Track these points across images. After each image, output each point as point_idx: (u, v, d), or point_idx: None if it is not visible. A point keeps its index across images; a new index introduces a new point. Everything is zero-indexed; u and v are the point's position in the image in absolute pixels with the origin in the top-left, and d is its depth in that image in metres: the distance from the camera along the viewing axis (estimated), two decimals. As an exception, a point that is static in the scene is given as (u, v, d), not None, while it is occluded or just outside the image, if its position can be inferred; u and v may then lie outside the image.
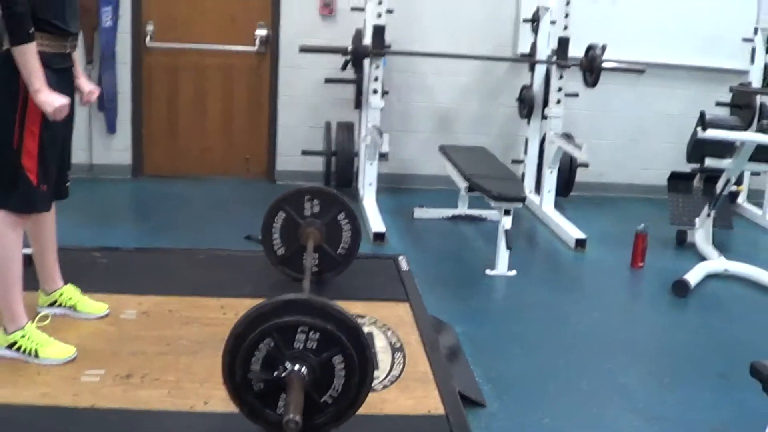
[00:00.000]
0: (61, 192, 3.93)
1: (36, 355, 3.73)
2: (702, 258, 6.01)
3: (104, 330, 4.14)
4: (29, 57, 3.43)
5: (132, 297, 4.53)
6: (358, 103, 7.40)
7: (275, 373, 3.05)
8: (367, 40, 6.90)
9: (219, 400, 3.38)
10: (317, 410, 3.10)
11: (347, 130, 7.47)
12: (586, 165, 7.57)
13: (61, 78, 3.65)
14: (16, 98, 3.51)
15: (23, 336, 3.77)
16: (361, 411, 3.21)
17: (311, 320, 3.04)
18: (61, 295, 4.25)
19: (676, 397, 4.00)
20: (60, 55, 3.61)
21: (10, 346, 3.76)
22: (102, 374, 3.65)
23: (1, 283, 3.73)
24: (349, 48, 6.94)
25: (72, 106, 3.81)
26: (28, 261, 3.96)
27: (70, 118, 3.81)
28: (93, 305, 4.27)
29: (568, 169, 7.54)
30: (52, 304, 4.21)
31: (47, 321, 4.08)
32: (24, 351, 3.75)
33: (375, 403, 3.44)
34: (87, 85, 4.02)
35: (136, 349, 3.92)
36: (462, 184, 6.25)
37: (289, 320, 3.04)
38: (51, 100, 3.49)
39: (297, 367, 3.03)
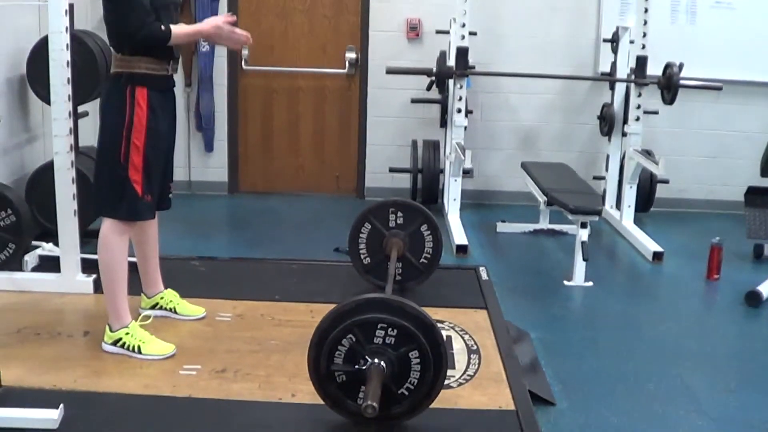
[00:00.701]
0: (164, 202, 4.28)
1: (138, 351, 4.06)
2: None
3: (201, 330, 4.48)
4: (180, 35, 3.92)
5: (227, 302, 4.85)
6: (443, 122, 7.60)
7: (356, 366, 3.33)
8: (451, 61, 7.08)
9: (305, 394, 3.67)
10: (395, 401, 3.38)
11: (433, 148, 7.69)
12: (666, 181, 7.65)
13: (164, 98, 4.03)
14: (122, 117, 3.87)
15: (127, 333, 4.10)
16: (437, 404, 3.47)
17: (390, 318, 3.32)
18: (161, 298, 4.59)
19: (741, 400, 4.15)
20: (163, 77, 3.97)
21: (115, 343, 4.10)
22: (199, 369, 3.97)
23: (109, 284, 4.09)
24: (434, 69, 7.15)
25: (174, 123, 4.18)
26: (132, 268, 4.32)
27: (172, 133, 4.18)
28: (191, 308, 4.61)
29: (648, 185, 7.62)
30: (153, 307, 4.55)
31: (149, 320, 4.42)
32: (127, 347, 4.08)
33: (450, 398, 3.71)
34: None
35: (230, 348, 4.24)
36: (541, 198, 6.44)
37: (369, 317, 3.33)
38: (212, 21, 4.11)
39: (376, 360, 3.30)
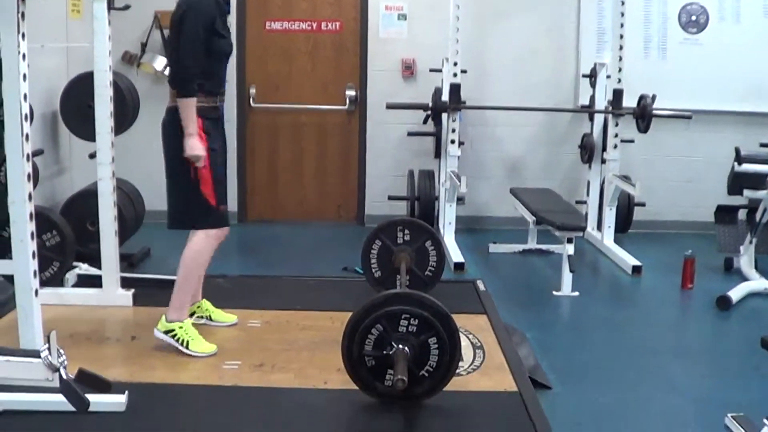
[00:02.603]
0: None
1: (186, 346, 4.55)
2: (746, 281, 6.53)
3: (236, 334, 4.99)
4: (188, 107, 4.36)
5: (255, 311, 5.35)
6: (438, 153, 8.04)
7: (384, 352, 3.86)
8: (445, 96, 7.51)
9: (336, 381, 4.21)
10: (417, 382, 3.90)
11: (428, 177, 8.06)
12: (642, 204, 8.07)
13: (215, 125, 4.56)
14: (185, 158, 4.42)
15: (181, 327, 4.60)
16: (451, 388, 4.02)
17: (412, 309, 3.88)
18: (198, 307, 5.08)
19: (713, 383, 4.73)
20: (213, 108, 4.52)
21: (167, 332, 4.60)
22: (239, 364, 4.48)
23: (183, 281, 4.61)
24: (429, 104, 7.66)
25: (225, 143, 4.73)
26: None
27: (225, 152, 4.71)
28: (225, 315, 5.12)
29: (626, 208, 8.05)
30: (191, 315, 4.96)
31: (202, 321, 4.95)
32: (178, 339, 4.57)
33: (461, 384, 4.24)
34: None
35: (264, 347, 4.75)
36: (530, 219, 6.95)
37: (395, 309, 3.88)
38: (196, 146, 4.39)
39: (401, 346, 3.84)
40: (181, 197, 4.59)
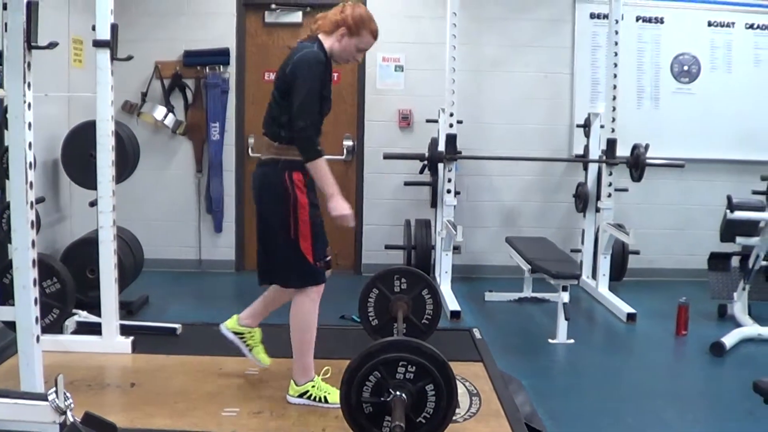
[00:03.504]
0: (328, 265, 4.72)
1: (325, 401, 4.55)
2: (740, 327, 6.57)
3: (235, 382, 5.00)
4: (321, 169, 4.34)
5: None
6: (434, 202, 8.07)
7: (382, 398, 3.89)
8: (441, 147, 7.58)
9: (334, 428, 4.27)
10: (414, 428, 3.91)
11: (425, 226, 8.14)
12: (636, 252, 8.15)
13: (312, 181, 4.48)
14: (288, 198, 4.38)
15: (313, 386, 4.62)
16: (448, 434, 4.07)
17: (409, 356, 3.91)
18: (249, 332, 5.07)
19: (708, 428, 4.81)
20: None
21: (302, 395, 4.62)
22: (238, 411, 4.50)
23: (300, 344, 4.59)
24: (426, 154, 7.73)
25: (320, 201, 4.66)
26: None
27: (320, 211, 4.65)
28: (263, 356, 5.06)
29: (620, 256, 8.12)
30: (235, 333, 5.01)
31: (328, 374, 4.87)
32: (314, 398, 4.60)
33: (458, 430, 4.27)
34: None
35: (262, 394, 4.77)
36: (525, 267, 7.01)
37: (392, 356, 3.91)
38: (343, 206, 4.42)
39: (399, 393, 3.86)
40: (281, 254, 4.54)
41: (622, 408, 5.05)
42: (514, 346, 6.36)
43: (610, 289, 7.79)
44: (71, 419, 3.00)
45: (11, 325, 4.19)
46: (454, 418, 4.18)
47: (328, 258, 4.68)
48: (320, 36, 4.50)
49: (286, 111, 4.35)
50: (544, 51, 8.59)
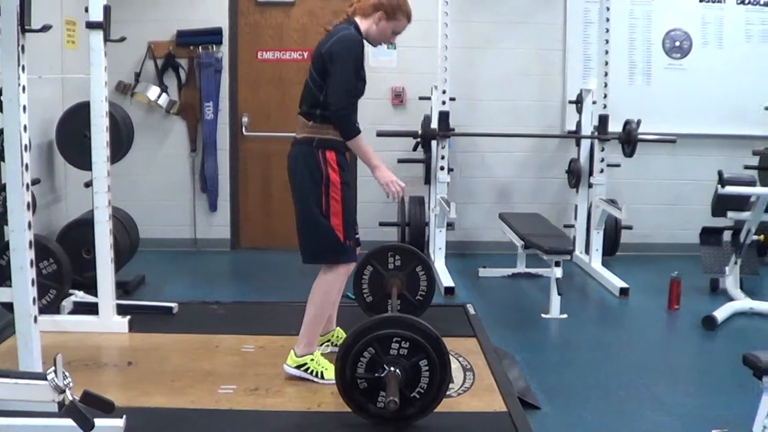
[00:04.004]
0: (357, 243, 4.84)
1: (321, 377, 4.61)
2: (732, 301, 6.63)
3: (231, 360, 5.08)
4: (361, 145, 4.55)
5: (249, 336, 5.47)
6: (428, 179, 8.13)
7: (376, 374, 3.97)
8: (434, 124, 7.63)
9: (329, 404, 4.34)
10: (408, 403, 4.01)
11: (418, 203, 8.16)
12: (629, 227, 8.20)
13: (346, 160, 4.63)
14: (320, 175, 4.48)
15: (312, 359, 4.67)
16: (442, 409, 4.13)
17: (403, 332, 3.99)
18: (333, 335, 5.18)
19: (698, 400, 4.82)
20: (344, 143, 4.56)
21: (299, 366, 4.68)
22: (235, 388, 4.58)
23: (314, 318, 4.64)
24: (419, 131, 7.76)
25: (354, 182, 4.75)
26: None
27: (354, 186, 4.76)
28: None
29: (613, 231, 8.16)
30: (322, 343, 5.07)
31: (329, 350, 5.01)
32: (310, 371, 4.67)
33: (452, 405, 4.36)
34: None
35: (258, 372, 4.84)
36: (518, 243, 7.06)
37: (386, 332, 3.99)
38: (388, 175, 4.62)
39: (393, 368, 3.95)
40: (312, 230, 4.59)
41: (614, 381, 5.09)
42: (507, 321, 6.40)
43: (604, 264, 7.83)
44: (70, 398, 3.05)
45: (8, 306, 4.23)
46: (448, 392, 4.28)
47: (358, 236, 4.82)
48: (357, 18, 4.63)
49: (322, 91, 4.47)
50: (536, 27, 8.60)
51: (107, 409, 3.14)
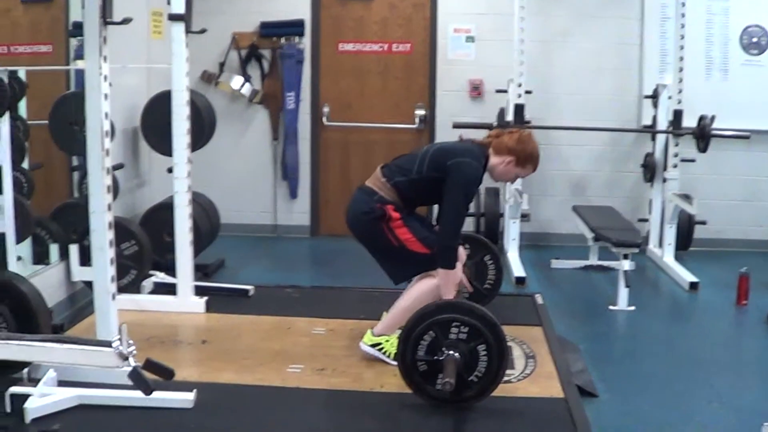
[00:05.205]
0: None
1: (393, 358, 4.68)
2: None
3: (302, 341, 5.25)
4: (451, 278, 4.68)
5: (321, 320, 5.64)
6: None
7: (435, 357, 4.10)
8: (510, 116, 7.68)
9: (392, 385, 4.48)
10: (466, 387, 4.12)
11: (494, 194, 8.26)
12: (703, 222, 8.12)
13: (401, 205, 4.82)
14: (381, 228, 4.71)
15: (387, 341, 4.84)
16: (500, 393, 4.24)
17: (462, 317, 4.12)
18: None
19: (757, 395, 4.87)
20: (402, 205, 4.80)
21: (374, 345, 4.86)
22: (302, 368, 4.75)
23: (407, 310, 4.63)
24: (494, 124, 7.75)
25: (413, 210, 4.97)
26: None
27: (417, 215, 4.99)
28: None
29: (687, 226, 8.10)
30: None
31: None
32: (384, 352, 4.83)
33: (511, 390, 4.46)
34: None
35: (326, 353, 5.00)
36: (589, 235, 7.13)
37: (446, 317, 4.12)
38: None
39: (452, 352, 4.07)
40: (398, 260, 4.82)
41: (674, 374, 5.16)
42: (575, 312, 6.48)
43: (676, 258, 7.80)
44: (133, 364, 3.26)
45: (91, 285, 4.46)
46: (508, 378, 4.41)
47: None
48: (490, 151, 4.90)
49: (419, 183, 4.75)
50: (613, 22, 8.59)
51: (167, 375, 3.35)
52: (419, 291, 4.77)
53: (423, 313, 4.17)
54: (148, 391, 3.27)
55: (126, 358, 3.24)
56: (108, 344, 3.26)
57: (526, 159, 4.90)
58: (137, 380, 3.24)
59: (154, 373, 3.34)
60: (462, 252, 5.20)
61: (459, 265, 4.89)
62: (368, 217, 4.73)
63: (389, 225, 4.70)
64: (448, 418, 4.15)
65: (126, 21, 4.14)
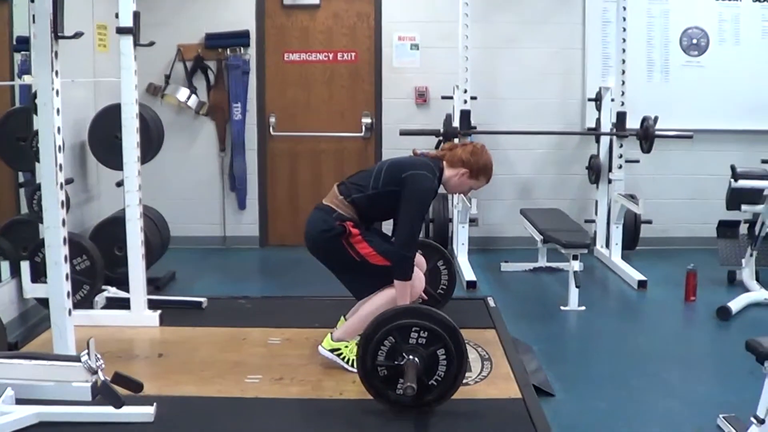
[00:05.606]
0: None
1: (352, 365, 4.75)
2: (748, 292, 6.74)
3: (258, 351, 5.26)
4: (404, 289, 4.72)
5: (275, 329, 5.66)
6: None
7: (395, 362, 4.14)
8: (456, 122, 7.75)
9: (351, 392, 4.51)
10: (426, 390, 4.17)
11: (442, 199, 8.24)
12: (649, 221, 8.26)
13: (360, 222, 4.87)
14: (342, 245, 4.74)
15: (346, 347, 4.87)
16: (459, 396, 4.29)
17: (421, 322, 4.15)
18: None
19: (709, 387, 4.99)
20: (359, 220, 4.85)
21: (333, 351, 4.89)
22: (260, 378, 4.76)
23: (368, 316, 4.62)
24: (441, 130, 7.89)
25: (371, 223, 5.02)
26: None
27: (377, 229, 5.08)
28: None
29: (633, 226, 8.24)
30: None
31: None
32: (343, 357, 4.86)
33: (469, 392, 4.53)
34: None
35: (283, 362, 5.02)
36: (538, 238, 7.21)
37: (406, 322, 4.16)
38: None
39: (411, 357, 4.11)
40: (360, 275, 4.88)
41: (628, 371, 5.24)
42: (527, 313, 6.54)
43: (624, 258, 7.92)
44: (102, 378, 3.26)
45: (44, 302, 4.43)
46: (465, 381, 4.45)
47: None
48: (444, 164, 4.97)
49: (376, 198, 4.80)
50: (556, 27, 8.69)
51: (136, 389, 3.35)
52: (381, 299, 4.80)
53: (382, 319, 4.20)
54: (118, 405, 3.27)
55: (95, 372, 3.24)
56: (76, 359, 3.26)
57: (480, 171, 4.98)
58: (108, 394, 3.24)
59: (123, 387, 3.34)
60: (422, 260, 5.29)
61: (421, 274, 4.97)
62: (328, 234, 4.76)
63: (349, 240, 4.74)
64: (410, 422, 4.18)
65: (78, 35, 4.13)
